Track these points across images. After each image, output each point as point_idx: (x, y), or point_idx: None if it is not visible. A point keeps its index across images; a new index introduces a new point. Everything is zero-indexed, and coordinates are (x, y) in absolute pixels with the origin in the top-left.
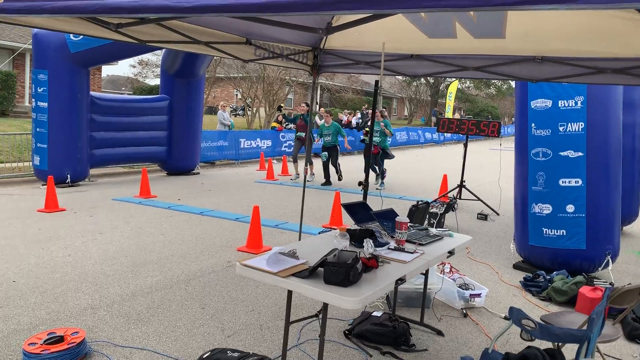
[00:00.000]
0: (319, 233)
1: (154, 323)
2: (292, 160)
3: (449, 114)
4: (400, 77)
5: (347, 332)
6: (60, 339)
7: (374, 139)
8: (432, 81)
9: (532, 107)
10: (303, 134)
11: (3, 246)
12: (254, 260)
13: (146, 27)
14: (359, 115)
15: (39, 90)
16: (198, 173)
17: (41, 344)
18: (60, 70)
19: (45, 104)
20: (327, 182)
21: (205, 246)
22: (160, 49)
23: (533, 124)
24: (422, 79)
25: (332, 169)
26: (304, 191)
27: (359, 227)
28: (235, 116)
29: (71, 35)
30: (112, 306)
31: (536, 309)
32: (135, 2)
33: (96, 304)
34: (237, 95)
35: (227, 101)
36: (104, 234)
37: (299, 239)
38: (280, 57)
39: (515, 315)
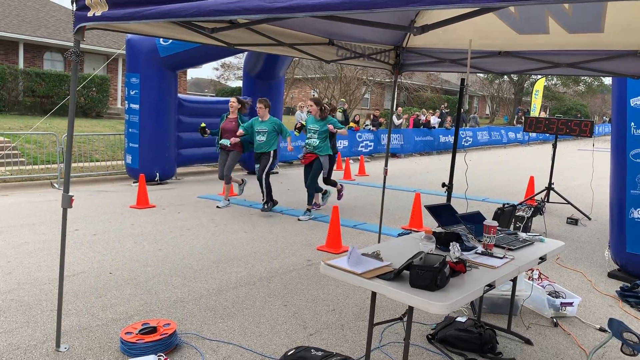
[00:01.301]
0: (399, 235)
1: (239, 318)
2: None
3: (535, 112)
4: (481, 75)
5: (430, 336)
6: (154, 330)
7: (311, 141)
8: (517, 78)
9: (632, 105)
10: (228, 142)
11: (100, 240)
12: (337, 260)
13: (235, 31)
14: (438, 114)
15: (132, 93)
16: (277, 172)
17: (136, 334)
18: (150, 73)
19: (137, 106)
20: (268, 203)
21: (286, 244)
22: (247, 51)
23: (632, 123)
24: (506, 76)
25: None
26: (383, 192)
27: (444, 230)
28: None
29: (161, 40)
30: (199, 300)
31: (635, 321)
32: (232, 4)
33: (185, 297)
34: (314, 95)
35: (305, 102)
36: (190, 230)
37: (379, 240)
38: (362, 56)
39: (615, 328)
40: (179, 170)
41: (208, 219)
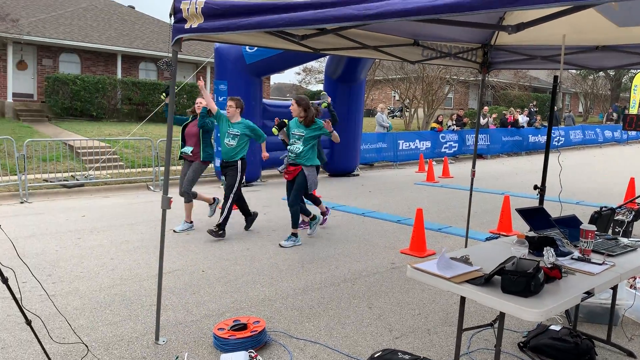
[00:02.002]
0: (487, 239)
1: (324, 318)
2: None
3: (634, 109)
4: (573, 71)
5: (521, 344)
6: (244, 327)
7: (294, 147)
8: (613, 73)
9: None
10: (190, 150)
11: (193, 239)
12: (425, 264)
13: (323, 37)
14: (527, 112)
15: (220, 100)
16: (358, 175)
17: (228, 330)
18: (237, 80)
19: (225, 112)
20: (222, 227)
21: (369, 247)
22: (331, 55)
23: None
24: (601, 72)
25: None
26: (470, 194)
27: (537, 235)
28: (393, 117)
29: (247, 47)
30: (286, 299)
31: None
32: (322, 13)
33: (272, 295)
34: (394, 96)
35: (385, 103)
36: (276, 230)
37: (466, 244)
38: (448, 56)
39: None
40: (264, 173)
41: None
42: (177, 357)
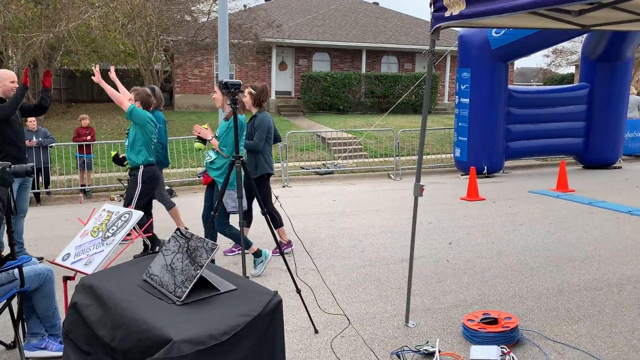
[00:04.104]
0: None
1: (585, 324)
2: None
3: None
4: None
5: None
6: (495, 321)
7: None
8: None
9: None
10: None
11: (435, 228)
12: None
13: (595, 12)
14: None
15: (462, 88)
16: (620, 167)
17: (478, 322)
18: (481, 67)
19: (467, 100)
20: (145, 248)
21: (638, 249)
22: (601, 31)
23: None
24: None
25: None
26: None
27: None
28: None
29: (493, 31)
30: (539, 298)
31: None
32: None
33: (523, 293)
34: None
35: None
36: (523, 225)
37: None
38: None
39: None
40: (507, 163)
41: (541, 215)
42: (427, 342)
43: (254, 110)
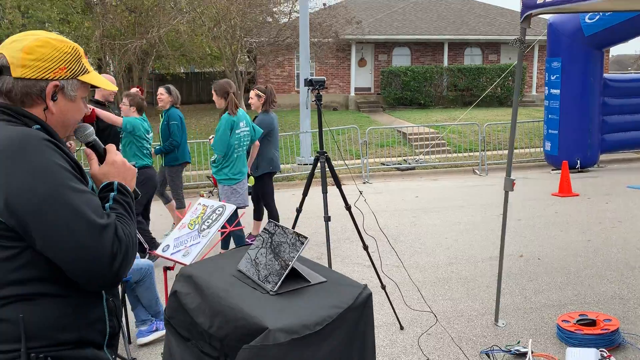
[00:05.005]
0: None
1: None
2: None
3: None
4: None
5: None
6: (593, 323)
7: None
8: None
9: None
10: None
11: (525, 225)
12: None
13: None
14: None
15: (552, 78)
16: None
17: (574, 323)
18: (573, 55)
19: (557, 91)
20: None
21: None
22: None
23: None
24: None
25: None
26: None
27: None
28: None
29: (586, 17)
30: None
31: None
32: None
33: (624, 294)
34: None
35: None
36: (622, 222)
37: None
38: None
39: None
40: (602, 157)
41: None
42: (518, 342)
43: (259, 111)
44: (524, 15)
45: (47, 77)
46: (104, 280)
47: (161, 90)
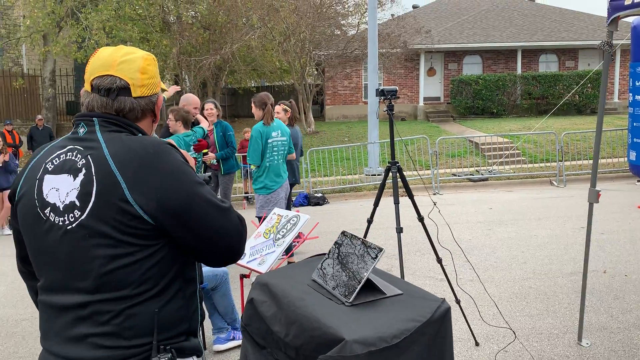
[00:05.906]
0: None
1: None
2: None
3: None
4: None
5: None
6: None
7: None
8: None
9: None
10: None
11: (609, 239)
12: None
13: None
14: None
15: (637, 84)
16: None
17: None
18: None
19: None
20: None
21: None
22: None
23: None
24: None
25: None
26: None
27: None
28: None
29: None
30: None
31: None
32: None
33: None
34: None
35: None
36: None
37: None
38: None
39: None
40: None
41: None
42: None
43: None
44: (611, 18)
45: (156, 92)
46: (238, 254)
47: (210, 105)
